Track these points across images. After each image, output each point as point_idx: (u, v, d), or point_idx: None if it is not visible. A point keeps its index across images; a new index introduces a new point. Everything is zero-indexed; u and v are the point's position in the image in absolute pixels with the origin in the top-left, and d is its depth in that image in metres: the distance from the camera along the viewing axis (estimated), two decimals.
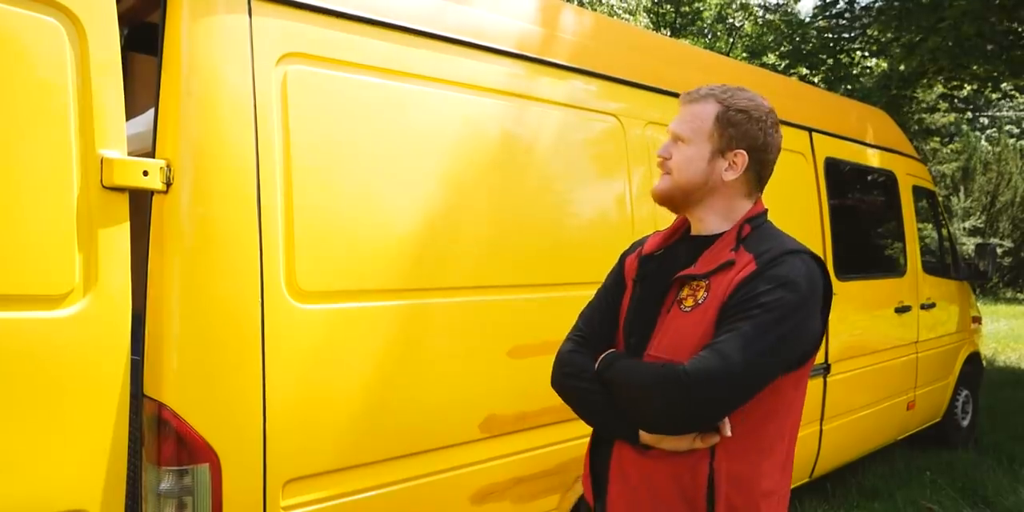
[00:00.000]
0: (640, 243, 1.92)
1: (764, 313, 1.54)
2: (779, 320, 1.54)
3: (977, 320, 6.43)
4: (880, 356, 4.71)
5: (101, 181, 1.78)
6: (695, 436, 1.59)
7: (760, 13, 22.14)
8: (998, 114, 27.61)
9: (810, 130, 4.23)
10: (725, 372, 1.49)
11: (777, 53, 14.31)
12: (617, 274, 1.90)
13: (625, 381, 1.63)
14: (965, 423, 6.14)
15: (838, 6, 12.06)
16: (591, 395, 1.72)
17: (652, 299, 1.74)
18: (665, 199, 1.77)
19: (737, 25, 23.25)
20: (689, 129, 1.71)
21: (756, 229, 1.71)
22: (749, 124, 1.68)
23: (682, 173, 1.72)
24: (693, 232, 1.80)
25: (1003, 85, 11.03)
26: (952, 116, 20.10)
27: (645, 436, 1.63)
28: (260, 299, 1.96)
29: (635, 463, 1.68)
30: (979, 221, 21.64)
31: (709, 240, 1.73)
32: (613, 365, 1.68)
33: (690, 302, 1.66)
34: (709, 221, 1.75)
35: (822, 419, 4.14)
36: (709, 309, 1.61)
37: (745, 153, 1.69)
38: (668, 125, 1.77)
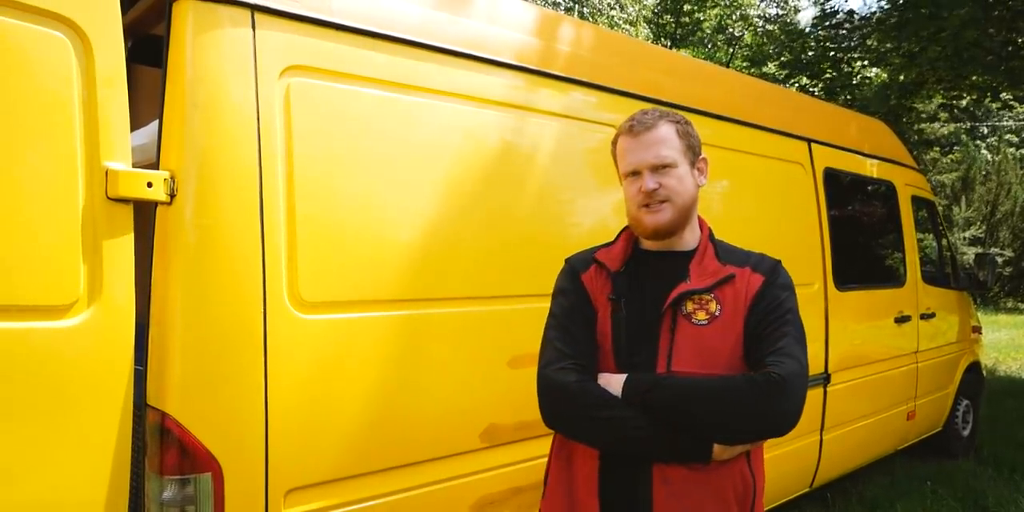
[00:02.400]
0: (589, 261, 1.87)
1: (794, 316, 1.73)
2: (798, 320, 1.75)
3: (977, 330, 6.43)
4: (880, 366, 4.71)
5: (106, 192, 1.79)
6: None
7: (760, 24, 22.24)
8: (998, 124, 27.67)
9: (809, 141, 4.24)
10: (803, 372, 1.65)
11: (777, 63, 14.38)
12: (578, 295, 1.83)
13: (704, 396, 1.61)
14: (966, 433, 6.13)
15: (837, 17, 12.11)
16: (634, 422, 1.65)
17: (652, 315, 1.74)
18: (673, 227, 1.77)
19: (737, 35, 23.33)
20: (673, 153, 1.75)
21: (718, 243, 1.85)
22: (694, 130, 1.84)
23: (681, 195, 1.75)
24: (662, 248, 1.82)
25: (1003, 95, 11.05)
26: (952, 126, 20.18)
27: (719, 449, 1.64)
28: (263, 309, 1.97)
29: (688, 479, 1.68)
30: (979, 231, 21.64)
31: (686, 255, 1.80)
32: (661, 385, 1.64)
33: (703, 315, 1.71)
34: (686, 237, 1.82)
35: (822, 429, 4.14)
36: (735, 319, 1.70)
37: (705, 156, 1.84)
38: (637, 164, 1.76)
